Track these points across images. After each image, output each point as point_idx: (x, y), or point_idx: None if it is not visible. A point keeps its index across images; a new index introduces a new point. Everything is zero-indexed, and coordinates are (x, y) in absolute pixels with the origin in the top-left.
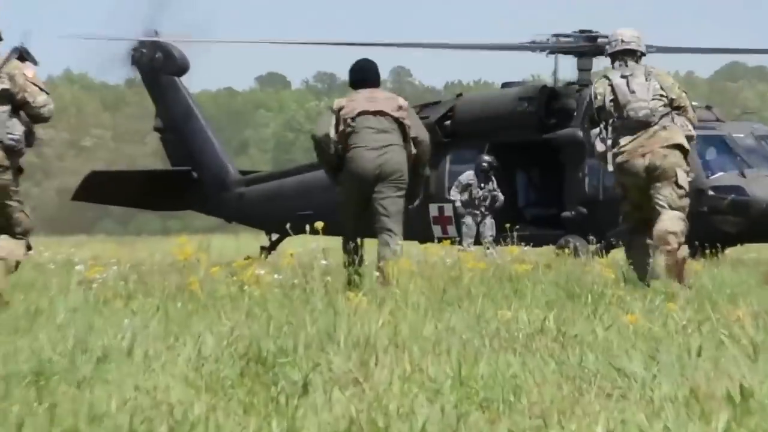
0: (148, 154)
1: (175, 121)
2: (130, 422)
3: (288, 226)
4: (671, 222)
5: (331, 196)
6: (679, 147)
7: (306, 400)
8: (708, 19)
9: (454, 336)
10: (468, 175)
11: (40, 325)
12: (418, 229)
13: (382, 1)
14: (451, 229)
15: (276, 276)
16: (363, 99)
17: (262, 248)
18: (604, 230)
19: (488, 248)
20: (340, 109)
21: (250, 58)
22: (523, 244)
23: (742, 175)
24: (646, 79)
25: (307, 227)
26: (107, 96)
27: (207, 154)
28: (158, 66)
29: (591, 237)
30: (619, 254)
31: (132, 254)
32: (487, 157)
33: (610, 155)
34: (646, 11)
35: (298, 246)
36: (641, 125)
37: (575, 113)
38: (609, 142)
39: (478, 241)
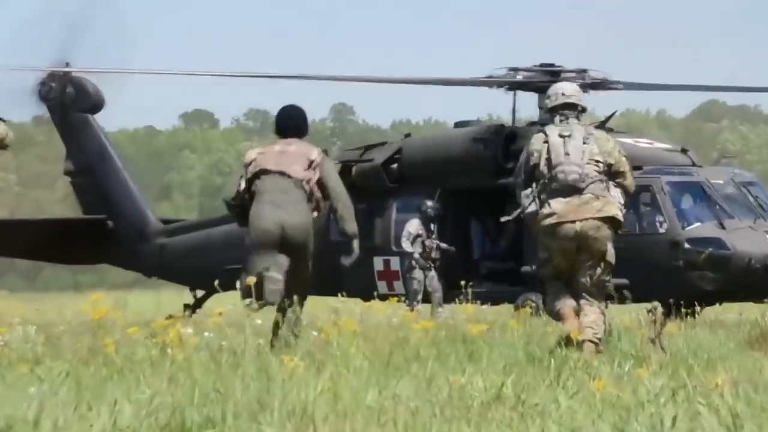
0: (57, 200)
1: (89, 163)
2: None
3: (216, 281)
4: (594, 321)
5: None
6: (612, 220)
7: None
8: (683, 53)
9: (401, 404)
10: (415, 224)
11: None
12: (360, 285)
13: (322, 32)
14: (398, 285)
15: (205, 334)
16: (274, 153)
17: (186, 306)
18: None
19: (439, 306)
20: (249, 163)
21: (173, 94)
22: (478, 302)
23: (722, 226)
24: (584, 142)
25: (238, 283)
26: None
27: (124, 200)
28: (69, 102)
29: None
30: None
31: (39, 313)
32: (430, 203)
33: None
34: (615, 43)
35: (228, 303)
36: (571, 190)
37: None
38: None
39: (426, 299)
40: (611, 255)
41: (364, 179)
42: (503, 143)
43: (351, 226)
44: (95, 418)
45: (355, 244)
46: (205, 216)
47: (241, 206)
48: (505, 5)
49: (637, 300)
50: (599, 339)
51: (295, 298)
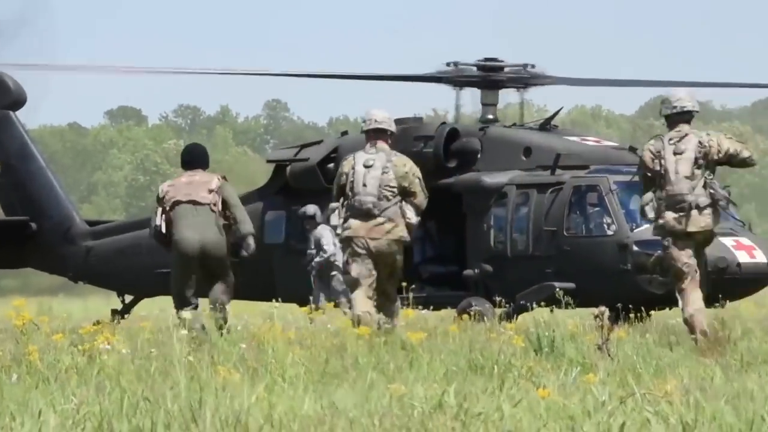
0: None
1: (9, 162)
2: None
3: (145, 286)
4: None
5: None
6: (399, 241)
7: None
8: (629, 49)
9: (339, 414)
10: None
11: None
12: (296, 290)
13: (256, 26)
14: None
15: (140, 343)
16: (182, 185)
17: (114, 312)
18: (513, 291)
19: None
20: (163, 197)
21: (99, 90)
22: (419, 307)
23: None
24: (383, 171)
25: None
26: None
27: (48, 200)
28: None
29: (497, 299)
30: (530, 318)
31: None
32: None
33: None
34: (559, 36)
35: (157, 309)
36: (367, 215)
37: (479, 155)
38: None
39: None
40: (400, 267)
41: (298, 180)
42: (445, 141)
43: (245, 227)
44: (18, 429)
45: (251, 240)
46: (132, 217)
47: (162, 235)
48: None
49: (583, 305)
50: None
51: (222, 299)
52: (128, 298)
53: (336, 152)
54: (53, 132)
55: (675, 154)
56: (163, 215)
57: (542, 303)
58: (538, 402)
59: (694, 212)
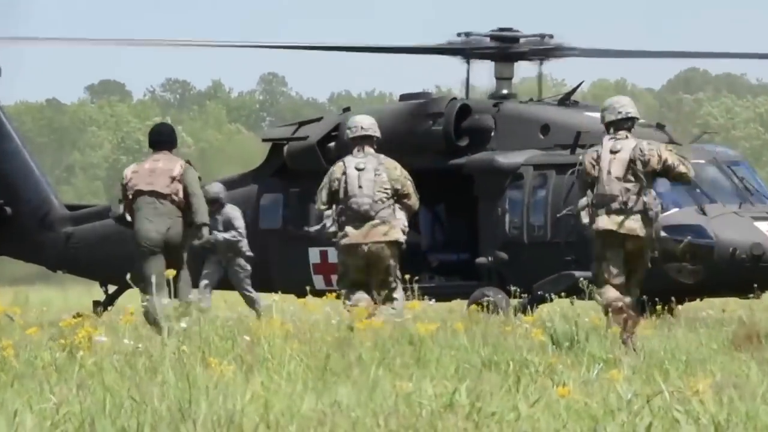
0: None
1: None
2: None
3: (129, 275)
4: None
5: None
6: (395, 243)
7: None
8: (658, 17)
9: (341, 414)
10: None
11: None
12: (294, 280)
13: None
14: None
15: (122, 338)
16: (145, 172)
17: (96, 303)
18: (530, 281)
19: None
20: (126, 183)
21: (80, 64)
22: (427, 297)
23: (702, 211)
24: (376, 173)
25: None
26: None
27: (24, 183)
28: None
29: (513, 289)
30: (548, 310)
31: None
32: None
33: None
34: (579, 8)
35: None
36: (364, 218)
37: (492, 133)
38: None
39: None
40: (394, 269)
41: (297, 160)
42: (456, 118)
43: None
44: None
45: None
46: (114, 200)
47: (128, 223)
48: None
49: None
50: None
51: (180, 288)
52: (111, 288)
53: (337, 130)
54: (30, 108)
55: (611, 152)
56: (125, 203)
57: (562, 293)
58: (558, 401)
59: (624, 215)
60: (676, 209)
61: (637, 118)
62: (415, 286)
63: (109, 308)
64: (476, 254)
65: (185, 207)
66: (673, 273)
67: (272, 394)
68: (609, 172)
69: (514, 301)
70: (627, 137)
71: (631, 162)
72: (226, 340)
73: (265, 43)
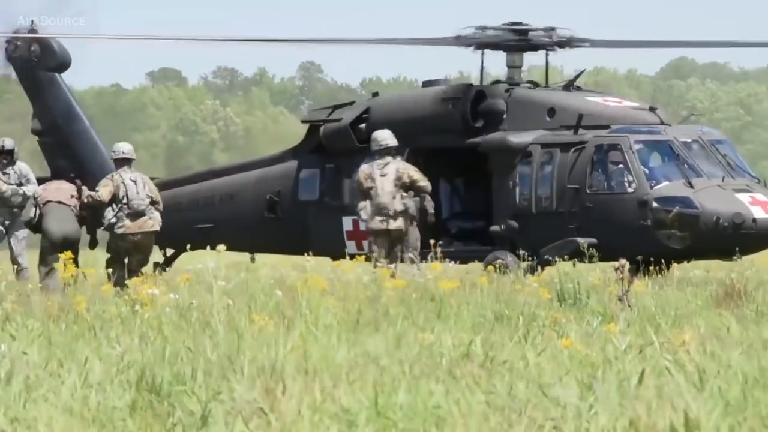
0: (24, 159)
1: (56, 122)
2: None
3: (185, 240)
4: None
5: (233, 208)
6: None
7: None
8: (651, 10)
9: (370, 362)
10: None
11: None
12: (329, 245)
13: None
14: (367, 245)
15: (172, 296)
16: (53, 189)
17: (156, 264)
18: (538, 246)
19: (413, 262)
20: (39, 197)
21: (141, 53)
22: (447, 260)
23: (690, 184)
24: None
25: (208, 247)
26: None
27: (93, 159)
28: (35, 60)
29: (522, 253)
30: (553, 272)
31: (7, 271)
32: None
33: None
34: (582, 1)
35: (197, 262)
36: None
37: (504, 115)
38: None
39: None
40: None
41: (332, 139)
42: (471, 102)
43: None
44: (66, 376)
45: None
46: (172, 175)
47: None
48: None
49: (605, 258)
50: None
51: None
52: (169, 252)
53: (368, 113)
54: (97, 92)
55: (381, 176)
56: (39, 208)
57: (565, 257)
58: (561, 351)
59: (393, 217)
60: (667, 182)
61: (395, 146)
62: (438, 250)
63: (167, 269)
64: (490, 223)
65: (84, 218)
66: (663, 239)
67: (309, 345)
68: (383, 188)
69: (524, 264)
70: (389, 163)
71: (396, 179)
72: (269, 296)
73: (302, 38)
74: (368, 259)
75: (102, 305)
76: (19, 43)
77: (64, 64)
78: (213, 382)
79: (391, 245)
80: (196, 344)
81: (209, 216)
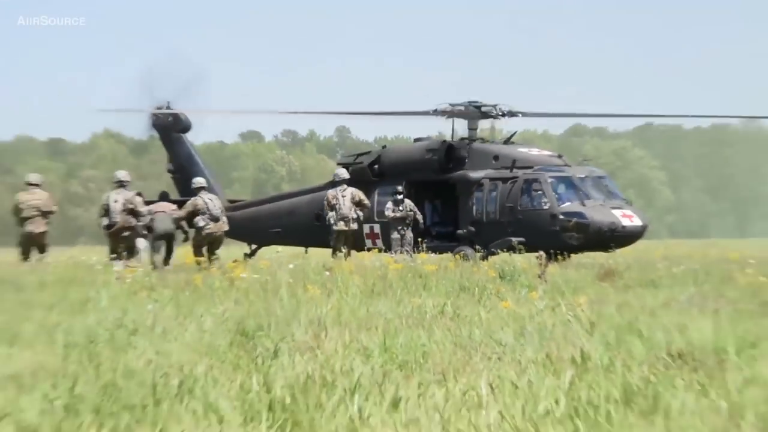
0: (163, 188)
1: (182, 164)
2: (153, 377)
3: (263, 239)
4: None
5: (294, 219)
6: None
7: (276, 362)
8: (556, 87)
9: (381, 316)
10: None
11: (89, 309)
12: (357, 242)
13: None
14: (378, 242)
15: (255, 276)
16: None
17: (245, 254)
18: (487, 243)
19: (410, 254)
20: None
21: (235, 119)
22: (430, 252)
23: (583, 204)
24: (352, 199)
25: (279, 248)
26: (134, 147)
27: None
28: (170, 126)
29: (477, 247)
30: (496, 259)
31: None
32: (399, 189)
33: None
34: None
35: (272, 253)
36: (343, 220)
37: (467, 160)
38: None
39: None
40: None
41: (356, 175)
42: (445, 152)
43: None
44: (188, 325)
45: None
46: (256, 198)
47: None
48: (445, 53)
49: (529, 251)
50: None
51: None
52: (254, 247)
53: (379, 158)
54: (208, 146)
55: (342, 196)
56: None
57: (504, 250)
58: (502, 310)
59: (351, 222)
60: (569, 202)
61: (348, 179)
62: (423, 245)
63: (252, 258)
64: (457, 228)
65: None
66: (566, 239)
67: (342, 306)
68: (344, 205)
69: (479, 254)
70: (347, 188)
71: (351, 198)
72: (317, 274)
73: (336, 111)
74: (379, 251)
75: (211, 280)
76: (160, 115)
77: (187, 128)
78: (281, 330)
79: (347, 240)
80: (270, 305)
81: (278, 224)
